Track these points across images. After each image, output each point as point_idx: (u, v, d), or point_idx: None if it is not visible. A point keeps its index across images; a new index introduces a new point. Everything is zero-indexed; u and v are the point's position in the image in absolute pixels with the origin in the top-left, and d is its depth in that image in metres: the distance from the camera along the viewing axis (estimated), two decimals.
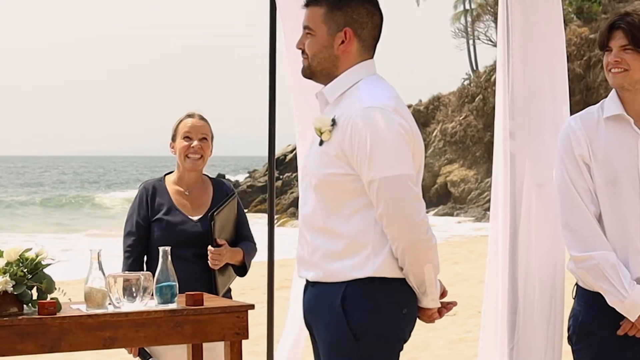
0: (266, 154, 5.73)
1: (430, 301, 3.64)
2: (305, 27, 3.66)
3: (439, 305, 3.70)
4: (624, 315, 3.85)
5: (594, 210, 3.92)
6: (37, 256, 3.76)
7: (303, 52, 3.68)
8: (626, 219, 3.89)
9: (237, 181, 51.09)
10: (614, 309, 3.86)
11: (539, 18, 4.38)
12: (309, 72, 3.69)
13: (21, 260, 3.74)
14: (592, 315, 3.95)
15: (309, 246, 3.65)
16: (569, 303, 4.24)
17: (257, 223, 9.01)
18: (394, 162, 3.46)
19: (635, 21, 3.90)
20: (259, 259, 5.23)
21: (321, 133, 3.55)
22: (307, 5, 3.67)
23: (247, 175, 52.92)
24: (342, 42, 3.61)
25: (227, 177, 55.90)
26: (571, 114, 4.27)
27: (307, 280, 3.72)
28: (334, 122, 3.53)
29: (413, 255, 3.50)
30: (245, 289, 13.27)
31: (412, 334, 3.70)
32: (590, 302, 3.95)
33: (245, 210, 5.24)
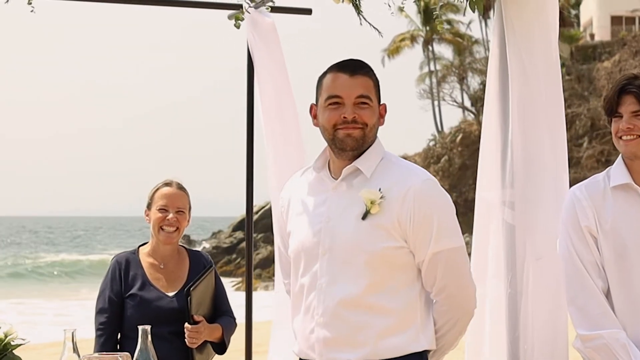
0: (231, 214, 5.73)
1: None
2: (361, 96, 3.55)
3: None
4: None
5: (602, 285, 3.69)
6: (5, 336, 3.54)
7: (355, 122, 3.54)
8: (636, 294, 3.66)
9: (203, 246, 50.83)
10: None
11: (539, 82, 4.15)
12: (362, 143, 3.57)
13: None
14: None
15: (348, 326, 3.51)
16: None
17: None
18: (457, 234, 3.56)
19: None
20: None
21: (372, 205, 3.48)
22: (356, 74, 3.57)
23: (212, 236, 52.72)
24: (381, 117, 3.63)
25: (191, 237, 55.71)
26: None
27: None
28: (382, 195, 3.50)
29: (463, 324, 3.61)
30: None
31: None
32: None
33: None
